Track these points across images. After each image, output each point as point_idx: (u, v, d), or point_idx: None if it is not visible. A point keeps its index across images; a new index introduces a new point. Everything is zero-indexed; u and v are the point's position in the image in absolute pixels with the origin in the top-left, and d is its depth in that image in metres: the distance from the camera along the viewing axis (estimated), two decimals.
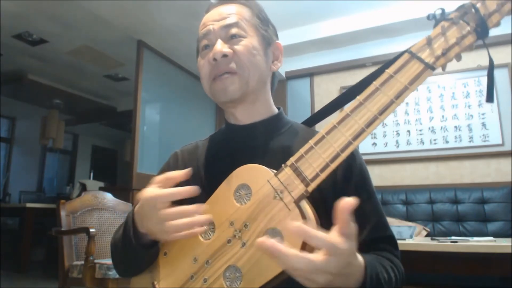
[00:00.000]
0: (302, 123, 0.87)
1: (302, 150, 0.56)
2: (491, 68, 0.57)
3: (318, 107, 3.81)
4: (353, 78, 3.75)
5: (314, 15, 3.57)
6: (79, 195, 2.61)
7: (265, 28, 0.82)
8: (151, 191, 0.61)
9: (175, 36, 3.60)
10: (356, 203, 0.46)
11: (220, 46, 0.75)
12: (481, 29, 0.52)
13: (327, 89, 3.89)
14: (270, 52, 0.83)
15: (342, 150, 0.53)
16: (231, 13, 0.79)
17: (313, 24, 3.69)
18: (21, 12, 3.38)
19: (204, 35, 0.79)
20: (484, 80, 3.25)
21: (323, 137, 0.55)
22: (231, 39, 0.77)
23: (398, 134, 3.49)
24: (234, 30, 0.77)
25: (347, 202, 0.46)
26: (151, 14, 3.25)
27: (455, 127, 3.29)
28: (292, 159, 0.56)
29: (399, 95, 0.53)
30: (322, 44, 3.81)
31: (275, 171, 0.58)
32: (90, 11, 3.22)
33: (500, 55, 3.14)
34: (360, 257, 0.54)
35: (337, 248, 0.46)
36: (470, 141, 3.22)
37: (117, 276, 2.05)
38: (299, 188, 0.55)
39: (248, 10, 0.81)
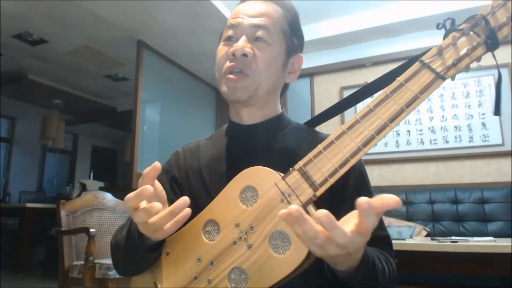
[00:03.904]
0: (304, 124, 0.87)
1: (310, 155, 0.56)
2: (499, 81, 0.58)
3: (318, 107, 3.83)
4: (353, 78, 3.75)
5: (314, 15, 3.57)
6: (79, 195, 2.60)
7: (293, 39, 0.81)
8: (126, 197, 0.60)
9: (175, 36, 3.60)
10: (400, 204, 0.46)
11: (243, 44, 0.74)
12: (492, 41, 0.52)
13: (327, 89, 3.89)
14: (290, 63, 0.82)
15: (352, 156, 0.53)
16: (265, 13, 0.77)
17: (313, 24, 3.69)
18: (21, 12, 3.38)
19: (232, 25, 0.78)
20: (484, 80, 3.25)
21: (332, 142, 0.55)
22: (255, 40, 0.76)
23: (398, 134, 3.50)
24: (261, 33, 0.75)
25: (389, 203, 0.46)
26: (151, 14, 3.25)
27: (455, 127, 3.30)
28: (300, 163, 0.56)
29: (410, 104, 0.53)
30: (322, 44, 3.81)
31: (282, 174, 0.58)
32: (90, 11, 3.22)
33: (500, 55, 3.14)
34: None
35: (367, 233, 0.46)
36: (470, 141, 3.22)
37: (117, 276, 2.05)
38: (307, 192, 0.55)
39: (283, 15, 0.80)
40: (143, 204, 0.58)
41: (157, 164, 0.59)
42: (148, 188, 0.56)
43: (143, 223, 0.58)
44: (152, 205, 0.56)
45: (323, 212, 0.44)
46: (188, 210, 0.58)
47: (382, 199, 0.46)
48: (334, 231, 0.45)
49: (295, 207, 0.46)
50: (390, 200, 0.46)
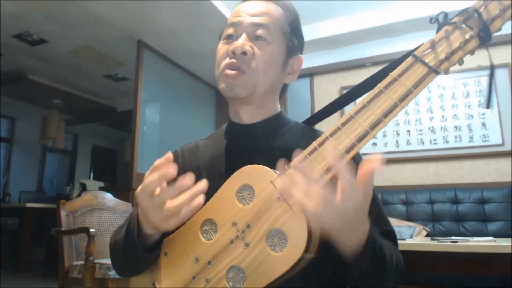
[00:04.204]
0: (303, 122, 0.87)
1: (306, 152, 0.56)
2: (491, 75, 0.58)
3: (318, 107, 3.82)
4: (353, 78, 3.75)
5: (314, 15, 3.57)
6: (79, 195, 2.60)
7: (293, 39, 0.81)
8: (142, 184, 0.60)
9: (175, 36, 3.61)
10: (382, 163, 0.48)
11: (243, 42, 0.74)
12: (484, 34, 0.53)
13: (327, 89, 3.89)
14: (289, 64, 0.82)
15: (347, 152, 0.53)
16: (266, 12, 0.77)
17: (313, 24, 3.69)
18: (21, 12, 3.38)
19: (232, 24, 0.78)
20: (484, 80, 3.25)
21: (326, 139, 0.55)
22: (256, 39, 0.76)
23: (398, 134, 3.50)
24: (261, 32, 0.76)
25: (373, 166, 0.48)
26: (151, 14, 3.25)
27: (455, 127, 3.30)
28: (295, 160, 0.56)
29: (404, 98, 0.53)
30: (322, 44, 3.81)
31: (278, 172, 0.58)
32: (90, 11, 3.22)
33: (500, 55, 3.14)
34: (367, 224, 0.56)
35: (356, 193, 0.48)
36: (470, 141, 3.22)
37: (117, 276, 2.05)
38: None
39: (283, 14, 0.80)
40: (157, 191, 0.58)
41: (170, 155, 0.59)
42: (173, 170, 0.57)
43: (161, 207, 0.58)
44: (185, 181, 0.57)
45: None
46: (201, 199, 0.59)
47: (366, 163, 0.48)
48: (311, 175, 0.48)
49: (281, 182, 0.51)
50: (373, 163, 0.48)
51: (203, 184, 0.59)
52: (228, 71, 0.74)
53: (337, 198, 0.48)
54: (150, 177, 0.58)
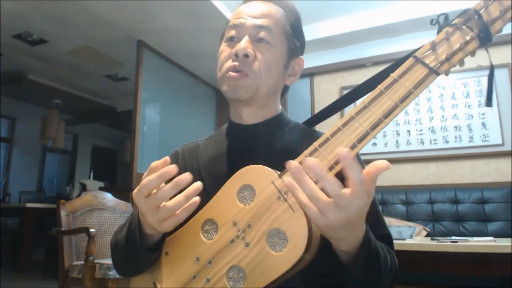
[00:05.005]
0: (303, 123, 0.87)
1: (306, 152, 0.56)
2: (491, 73, 0.58)
3: (318, 107, 3.82)
4: (353, 78, 3.75)
5: (314, 15, 3.57)
6: (79, 195, 2.61)
7: (294, 41, 0.81)
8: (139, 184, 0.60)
9: (175, 36, 3.61)
10: (388, 167, 0.48)
11: (245, 45, 0.74)
12: (484, 35, 0.53)
13: (327, 89, 3.89)
14: (291, 65, 0.83)
15: None
16: (267, 14, 0.77)
17: (313, 24, 3.69)
18: (21, 12, 3.38)
19: (234, 25, 0.78)
20: (484, 80, 3.25)
21: (327, 139, 0.55)
22: (258, 42, 0.76)
23: (398, 134, 3.50)
24: (263, 34, 0.76)
25: (381, 166, 0.47)
26: (151, 14, 3.25)
27: (455, 127, 3.30)
28: (296, 161, 0.56)
29: (404, 99, 0.53)
30: (322, 44, 3.81)
31: (279, 172, 0.58)
32: (90, 11, 3.22)
33: (500, 55, 3.14)
34: (364, 227, 0.56)
35: (364, 189, 0.47)
36: (470, 141, 3.22)
37: (117, 276, 2.05)
38: None
39: (285, 16, 0.80)
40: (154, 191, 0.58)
41: (167, 159, 0.59)
42: (173, 168, 0.57)
43: (156, 208, 0.58)
44: (183, 177, 0.57)
45: (313, 160, 0.48)
46: (197, 199, 0.60)
47: (373, 164, 0.48)
48: (322, 180, 0.47)
49: (295, 163, 0.49)
50: (381, 163, 0.48)
51: (198, 184, 0.59)
52: (232, 73, 0.75)
53: (346, 192, 0.47)
54: (149, 177, 0.58)
